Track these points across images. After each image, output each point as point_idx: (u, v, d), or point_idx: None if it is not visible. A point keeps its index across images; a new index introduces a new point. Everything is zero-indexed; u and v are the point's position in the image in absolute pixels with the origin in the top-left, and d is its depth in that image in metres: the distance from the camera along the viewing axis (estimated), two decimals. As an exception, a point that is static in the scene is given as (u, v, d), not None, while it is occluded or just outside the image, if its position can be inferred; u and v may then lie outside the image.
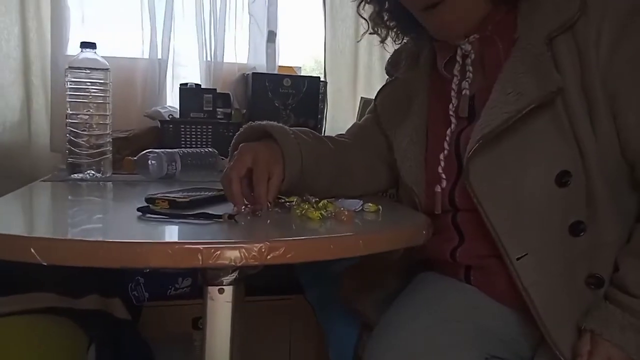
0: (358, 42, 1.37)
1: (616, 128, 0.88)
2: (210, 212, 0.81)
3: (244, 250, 0.65)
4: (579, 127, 0.87)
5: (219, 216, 0.80)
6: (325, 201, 0.91)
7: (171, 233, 0.79)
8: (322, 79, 2.05)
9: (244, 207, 0.88)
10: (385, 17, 1.12)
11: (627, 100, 0.86)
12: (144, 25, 1.94)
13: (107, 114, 1.34)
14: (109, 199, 1.17)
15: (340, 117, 2.12)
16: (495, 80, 0.93)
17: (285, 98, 1.87)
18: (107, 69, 1.32)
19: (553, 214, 0.88)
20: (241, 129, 1.06)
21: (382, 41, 1.15)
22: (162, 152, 1.32)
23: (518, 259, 0.88)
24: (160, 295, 1.60)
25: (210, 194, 0.99)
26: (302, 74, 2.11)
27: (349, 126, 2.02)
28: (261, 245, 0.66)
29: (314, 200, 0.93)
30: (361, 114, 1.99)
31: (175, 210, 0.86)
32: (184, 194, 0.96)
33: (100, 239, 0.66)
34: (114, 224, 0.86)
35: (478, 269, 0.99)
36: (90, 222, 0.86)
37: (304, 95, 1.89)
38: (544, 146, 0.88)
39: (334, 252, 0.73)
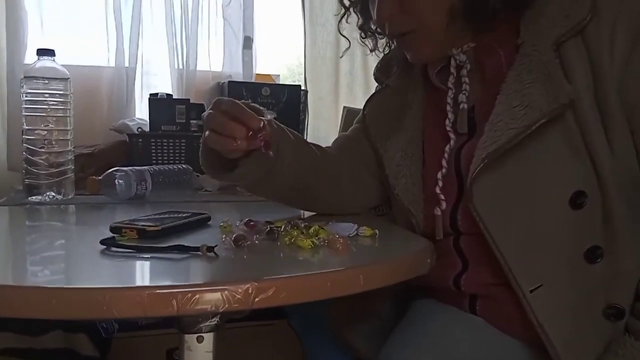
0: (341, 57, 1.28)
1: (634, 143, 0.80)
2: (185, 242, 0.71)
3: (226, 292, 0.55)
4: (593, 142, 0.79)
5: (196, 248, 0.69)
6: (317, 226, 0.81)
7: (140, 273, 0.68)
8: (302, 87, 1.96)
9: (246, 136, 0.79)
10: (370, 28, 1.04)
11: None
12: (110, 31, 1.82)
13: (68, 128, 1.21)
14: (70, 226, 1.05)
15: (322, 127, 2.03)
16: (497, 91, 0.85)
17: (264, 107, 1.77)
18: (67, 78, 1.19)
19: (568, 239, 0.80)
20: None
21: (372, 51, 1.08)
22: (130, 170, 1.20)
23: (531, 291, 0.80)
24: (132, 326, 1.47)
25: (184, 219, 0.88)
26: (280, 82, 2.01)
27: (332, 136, 1.97)
28: (247, 286, 0.56)
29: (303, 226, 0.84)
30: (344, 123, 1.90)
31: (144, 242, 0.76)
32: (155, 219, 0.85)
33: (57, 284, 0.57)
34: (75, 261, 0.74)
35: (484, 298, 0.90)
36: (47, 261, 0.73)
37: (284, 105, 1.79)
38: (556, 164, 0.81)
39: (332, 290, 0.64)
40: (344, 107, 1.95)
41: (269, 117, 0.85)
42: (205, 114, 0.84)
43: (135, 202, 1.21)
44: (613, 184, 0.79)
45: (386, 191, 1.04)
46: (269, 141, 0.82)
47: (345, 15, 1.05)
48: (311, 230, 0.81)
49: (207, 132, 0.84)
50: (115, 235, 0.78)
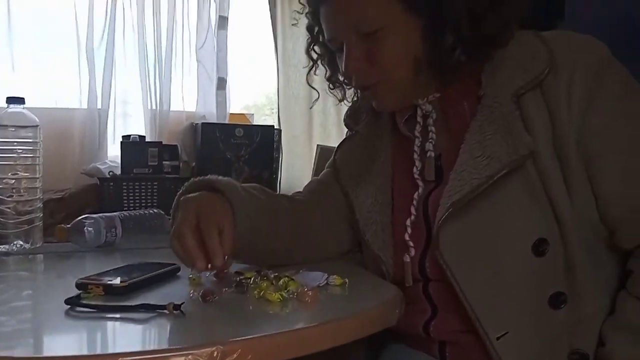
0: (311, 108, 1.31)
1: (593, 192, 0.82)
2: (153, 297, 0.71)
3: (191, 357, 0.54)
4: (554, 192, 0.81)
5: (163, 307, 0.68)
6: (286, 278, 0.81)
7: (104, 337, 0.66)
8: (275, 126, 1.97)
9: (206, 268, 0.79)
10: (338, 79, 1.06)
11: (604, 162, 0.81)
12: (82, 72, 1.81)
13: (37, 176, 1.20)
14: (37, 277, 1.03)
15: (296, 165, 2.04)
16: (462, 140, 0.87)
17: (237, 149, 1.77)
18: (36, 125, 1.18)
19: (531, 285, 0.82)
20: (184, 186, 0.97)
21: (341, 101, 1.09)
22: (100, 217, 1.19)
23: (498, 338, 0.81)
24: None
25: (152, 272, 0.87)
26: (254, 122, 2.02)
27: (305, 174, 1.98)
28: (212, 349, 0.55)
29: (273, 276, 0.84)
30: (318, 161, 1.91)
31: (111, 298, 0.74)
32: (122, 273, 0.84)
33: (21, 353, 0.56)
34: (40, 322, 0.72)
35: (453, 344, 0.91)
36: (10, 323, 0.70)
37: (257, 145, 1.80)
38: (518, 213, 0.82)
39: (299, 349, 0.63)
40: (318, 145, 1.96)
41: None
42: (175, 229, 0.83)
43: (105, 250, 1.19)
44: (574, 232, 0.81)
45: (357, 236, 1.05)
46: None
47: (314, 68, 1.06)
48: (280, 282, 0.81)
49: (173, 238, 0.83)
50: (81, 291, 0.76)
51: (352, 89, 1.08)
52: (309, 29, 1.03)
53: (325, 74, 1.06)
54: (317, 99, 1.12)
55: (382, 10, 0.86)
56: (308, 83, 1.08)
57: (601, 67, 0.82)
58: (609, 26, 1.28)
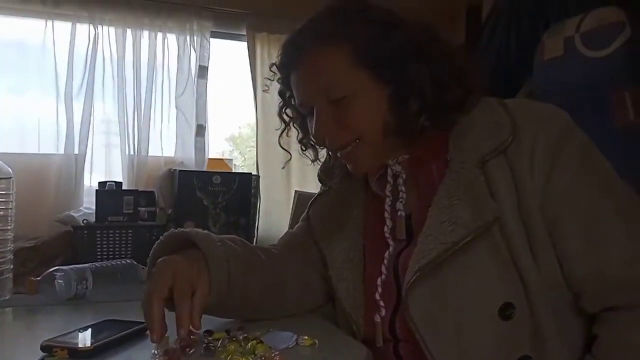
0: (282, 168, 1.31)
1: (557, 256, 0.84)
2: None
3: None
4: (519, 257, 0.82)
5: (126, 374, 0.67)
6: (254, 341, 0.80)
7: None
8: (254, 172, 1.98)
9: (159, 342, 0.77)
10: (310, 141, 1.07)
11: (567, 227, 0.83)
12: (60, 117, 1.81)
13: (9, 227, 1.18)
14: (4, 332, 1.01)
15: (274, 211, 2.04)
16: (431, 201, 0.88)
17: (214, 196, 1.78)
18: (9, 177, 1.17)
19: (498, 349, 0.82)
20: (161, 238, 0.95)
21: (313, 161, 1.10)
22: (70, 269, 1.17)
23: None
24: None
25: (120, 332, 0.86)
26: (233, 169, 2.02)
27: (284, 219, 1.98)
28: None
29: (242, 337, 0.82)
30: (296, 207, 1.92)
31: (75, 363, 0.73)
32: (89, 333, 0.83)
33: None
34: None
35: (423, 404, 0.90)
36: None
37: (235, 192, 1.81)
38: (485, 277, 0.83)
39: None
40: (296, 191, 1.97)
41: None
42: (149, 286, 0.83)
43: (75, 303, 1.17)
44: (540, 296, 0.82)
45: (331, 291, 1.05)
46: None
47: (286, 130, 1.08)
48: (249, 345, 0.80)
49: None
50: (45, 354, 0.75)
51: (324, 149, 1.09)
52: (281, 93, 1.04)
53: (297, 136, 1.08)
54: (288, 160, 1.12)
55: (350, 77, 0.89)
56: (280, 145, 1.08)
57: (561, 137, 0.85)
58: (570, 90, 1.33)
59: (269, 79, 1.05)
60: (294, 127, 1.06)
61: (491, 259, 0.83)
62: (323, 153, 1.09)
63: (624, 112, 1.20)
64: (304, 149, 1.08)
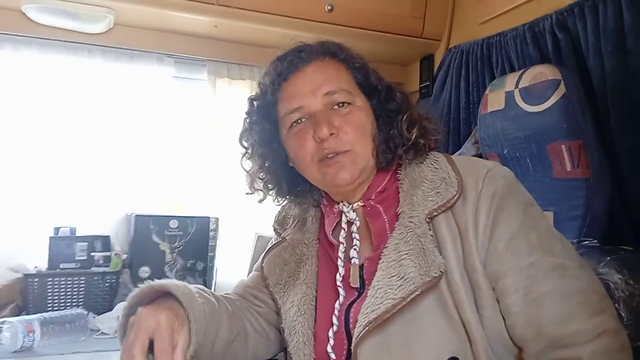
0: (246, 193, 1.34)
1: (501, 311, 0.87)
2: None
3: None
4: (464, 309, 0.85)
5: None
6: None
7: None
8: (211, 216, 1.98)
9: None
10: (265, 177, 1.08)
11: (508, 283, 0.86)
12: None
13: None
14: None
15: (234, 254, 2.03)
16: (382, 253, 0.91)
17: (172, 240, 1.77)
18: (-44, 227, 1.16)
19: None
20: (138, 289, 0.94)
21: (260, 201, 1.12)
22: (17, 321, 1.16)
23: None
24: None
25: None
26: (192, 211, 2.01)
27: (243, 263, 1.97)
28: None
29: None
30: (256, 250, 1.92)
31: None
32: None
33: None
34: None
35: None
36: None
37: (192, 236, 1.80)
38: (431, 330, 0.86)
39: None
40: (256, 233, 1.97)
41: None
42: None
43: (21, 355, 1.16)
44: (484, 350, 0.84)
45: (283, 342, 1.05)
46: None
47: (247, 154, 1.08)
48: None
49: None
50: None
51: (275, 193, 1.10)
52: (249, 113, 1.06)
53: (251, 168, 1.08)
54: (250, 193, 1.12)
55: (353, 89, 0.99)
56: (242, 167, 1.09)
57: (503, 195, 0.89)
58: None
59: (251, 98, 1.07)
60: (254, 154, 1.06)
61: (438, 313, 0.86)
62: (270, 196, 1.10)
63: (561, 163, 1.26)
64: (256, 186, 1.09)
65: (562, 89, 1.24)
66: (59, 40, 1.86)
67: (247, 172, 1.10)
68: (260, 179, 1.09)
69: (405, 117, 0.98)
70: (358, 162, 0.96)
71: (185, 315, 0.87)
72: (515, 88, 1.33)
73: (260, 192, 1.11)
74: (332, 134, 0.94)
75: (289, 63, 0.99)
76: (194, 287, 0.95)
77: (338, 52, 1.01)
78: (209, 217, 1.89)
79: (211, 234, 1.91)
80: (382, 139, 0.98)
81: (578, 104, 1.24)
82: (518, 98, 1.32)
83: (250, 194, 1.11)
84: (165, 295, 0.91)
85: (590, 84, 1.36)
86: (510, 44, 1.65)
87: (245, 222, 2.06)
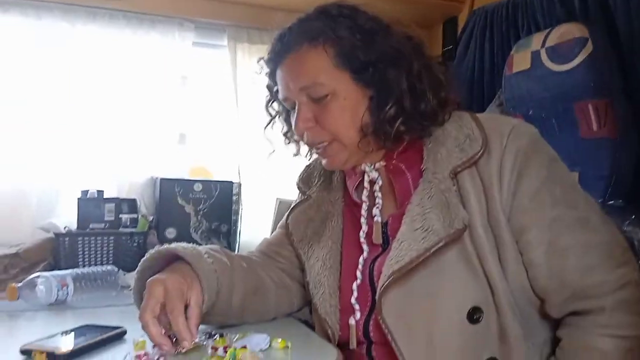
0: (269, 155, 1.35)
1: (523, 263, 0.88)
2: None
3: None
4: (487, 262, 0.87)
5: (102, 376, 0.70)
6: (233, 348, 0.83)
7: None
8: (236, 180, 2.00)
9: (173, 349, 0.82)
10: (294, 137, 1.10)
11: (532, 237, 0.87)
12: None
13: (-10, 234, 1.21)
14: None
15: (256, 218, 2.06)
16: (405, 209, 0.92)
17: (196, 203, 1.80)
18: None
19: (466, 351, 0.86)
20: (148, 254, 0.98)
21: (295, 155, 1.14)
22: (51, 275, 1.20)
23: None
24: None
25: (98, 336, 0.89)
26: (215, 177, 2.04)
27: (265, 227, 2.00)
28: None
29: (218, 337, 0.89)
30: (277, 215, 1.94)
31: (53, 366, 0.76)
32: (68, 338, 0.86)
33: None
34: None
35: (394, 404, 0.94)
36: None
37: (216, 199, 1.83)
38: (455, 282, 0.87)
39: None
40: (277, 198, 2.00)
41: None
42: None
43: (56, 308, 1.20)
44: (507, 302, 0.86)
45: (308, 295, 1.08)
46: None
47: (272, 123, 1.11)
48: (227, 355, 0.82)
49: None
50: (25, 357, 0.78)
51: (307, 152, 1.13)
52: (269, 87, 1.08)
53: (282, 129, 1.11)
54: (272, 152, 1.14)
55: (332, 77, 0.93)
56: (266, 137, 1.11)
57: (528, 150, 0.89)
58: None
59: (256, 73, 1.08)
60: (279, 120, 1.09)
61: (461, 264, 0.88)
62: (305, 149, 1.12)
63: (587, 123, 1.26)
64: (287, 142, 1.11)
65: (589, 47, 1.22)
66: (81, 6, 1.88)
67: (268, 140, 1.13)
68: (289, 137, 1.11)
69: (418, 85, 0.93)
70: (342, 151, 0.96)
71: (195, 275, 0.90)
72: (541, 47, 1.32)
73: (294, 147, 1.13)
74: (308, 128, 0.95)
75: (275, 54, 0.99)
76: (203, 248, 0.97)
77: (319, 31, 0.94)
78: (232, 182, 1.91)
79: (234, 198, 1.94)
80: (374, 125, 0.94)
81: (605, 62, 1.23)
82: (544, 57, 1.31)
83: (288, 143, 1.13)
84: (175, 259, 0.94)
85: (618, 42, 1.34)
86: (536, 3, 1.62)
87: (266, 187, 2.09)
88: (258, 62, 1.07)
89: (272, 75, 1.03)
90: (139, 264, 0.96)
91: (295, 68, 0.96)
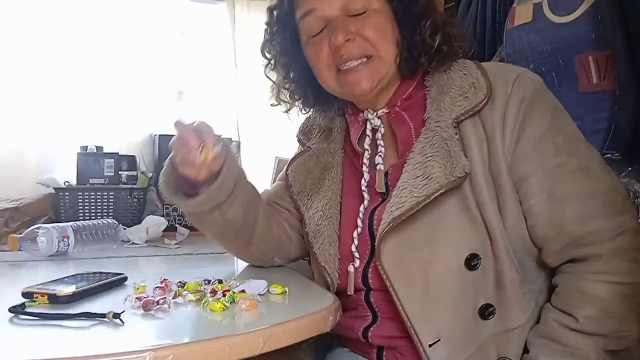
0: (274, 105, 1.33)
1: (523, 212, 0.89)
2: (96, 306, 0.74)
3: (122, 363, 0.58)
4: (487, 211, 0.87)
5: (103, 315, 0.72)
6: (232, 292, 0.85)
7: (43, 343, 0.69)
8: (235, 138, 2.00)
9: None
10: (290, 87, 1.09)
11: (533, 184, 0.88)
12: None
13: (-10, 187, 1.21)
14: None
15: (255, 176, 2.06)
16: (407, 158, 0.92)
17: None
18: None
19: (463, 297, 0.87)
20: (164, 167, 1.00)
21: (286, 111, 1.12)
22: (52, 227, 1.21)
23: (430, 345, 0.86)
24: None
25: (99, 281, 0.90)
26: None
27: (264, 186, 2.00)
28: (144, 355, 0.59)
29: (217, 283, 0.90)
30: (276, 173, 1.95)
31: (55, 307, 0.78)
32: (69, 282, 0.87)
33: None
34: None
35: (390, 350, 0.96)
36: None
37: (215, 156, 1.82)
38: (453, 229, 0.88)
39: (231, 354, 0.66)
40: (276, 157, 2.00)
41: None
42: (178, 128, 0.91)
43: (57, 259, 1.21)
44: (505, 249, 0.87)
45: (307, 246, 1.09)
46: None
47: (267, 68, 1.10)
48: (226, 297, 0.84)
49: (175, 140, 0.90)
50: (26, 300, 0.79)
51: (301, 103, 1.12)
52: (269, 24, 1.06)
53: (277, 77, 1.09)
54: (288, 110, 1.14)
55: None
56: (266, 75, 1.10)
57: (532, 99, 0.89)
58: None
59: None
60: (278, 65, 1.08)
61: (460, 211, 0.88)
62: (296, 107, 1.11)
63: (587, 76, 1.25)
64: (284, 93, 1.10)
65: (591, -2, 1.21)
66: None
67: (273, 81, 1.10)
68: (285, 89, 1.10)
69: (428, 22, 0.95)
70: (379, 69, 0.95)
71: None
72: (543, -1, 1.30)
73: (287, 104, 1.12)
74: (348, 40, 0.92)
75: None
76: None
77: None
78: (231, 139, 1.91)
79: (233, 156, 1.94)
80: (405, 45, 0.96)
81: (607, 13, 1.21)
82: (546, 9, 1.29)
83: (276, 105, 1.12)
84: None
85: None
86: (539, -44, 1.59)
87: (265, 145, 2.09)
88: None
89: (289, 2, 1.00)
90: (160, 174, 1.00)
91: None
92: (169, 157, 0.94)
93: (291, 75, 1.08)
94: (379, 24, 0.94)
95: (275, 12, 1.05)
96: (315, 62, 0.98)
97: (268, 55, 1.08)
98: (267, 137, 2.07)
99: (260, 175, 2.06)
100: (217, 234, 1.06)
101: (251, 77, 1.99)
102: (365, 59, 0.94)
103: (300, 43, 1.02)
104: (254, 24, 2.01)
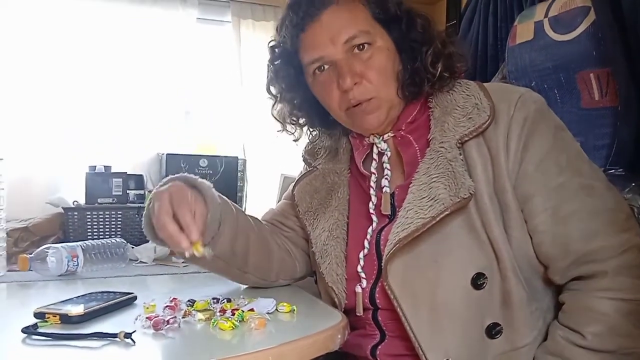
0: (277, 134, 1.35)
1: (528, 230, 0.90)
2: (108, 326, 0.75)
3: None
4: (492, 230, 0.88)
5: (114, 335, 0.73)
6: (240, 311, 0.86)
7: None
8: (241, 156, 2.02)
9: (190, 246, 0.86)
10: (297, 119, 1.11)
11: (537, 203, 0.89)
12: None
13: (1, 208, 1.23)
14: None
15: (260, 194, 2.08)
16: (412, 180, 0.94)
17: (202, 178, 1.81)
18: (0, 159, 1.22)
19: (470, 316, 0.88)
20: (161, 182, 0.99)
21: (296, 140, 1.14)
22: (62, 246, 1.22)
23: None
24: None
25: (109, 301, 0.91)
26: (220, 153, 2.06)
27: (270, 204, 2.02)
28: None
29: (226, 302, 0.91)
30: (282, 190, 1.96)
31: (67, 327, 0.79)
32: (80, 302, 0.88)
33: None
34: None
35: (398, 367, 0.96)
36: None
37: (221, 175, 1.85)
38: (459, 249, 0.89)
39: (241, 373, 0.68)
40: (282, 174, 2.01)
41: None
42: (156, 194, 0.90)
43: (66, 279, 1.22)
44: (511, 268, 0.88)
45: (313, 265, 1.10)
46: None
47: (276, 103, 1.11)
48: (235, 316, 0.85)
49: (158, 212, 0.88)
50: (38, 320, 0.80)
51: (307, 129, 1.14)
52: (272, 61, 1.07)
53: (283, 111, 1.11)
54: (280, 131, 1.15)
55: (371, 27, 0.96)
56: (273, 115, 1.12)
57: (534, 119, 0.91)
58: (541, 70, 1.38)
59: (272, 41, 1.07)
60: (282, 102, 1.09)
61: (466, 231, 0.89)
62: (302, 132, 1.13)
63: (589, 92, 1.26)
64: (291, 123, 1.12)
65: (591, 16, 1.22)
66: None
67: (276, 119, 1.13)
68: (292, 121, 1.12)
69: (429, 49, 0.97)
70: (383, 106, 0.97)
71: (200, 196, 0.93)
72: (544, 17, 1.32)
73: (297, 131, 1.14)
74: (355, 84, 0.94)
75: (304, 13, 0.97)
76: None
77: None
78: (237, 157, 1.93)
79: (239, 174, 1.96)
80: (406, 74, 0.97)
81: (608, 30, 1.23)
82: (547, 27, 1.31)
83: (281, 131, 1.14)
84: None
85: (620, 10, 1.34)
86: (539, -26, 1.61)
87: (271, 163, 2.11)
88: (279, 27, 1.04)
89: (293, 41, 1.00)
90: (151, 194, 0.97)
91: (337, 20, 0.96)
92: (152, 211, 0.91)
93: (296, 103, 1.09)
94: (380, 63, 0.96)
95: (277, 50, 1.06)
96: (327, 101, 1.00)
97: (274, 92, 1.10)
98: (272, 154, 2.09)
99: (266, 193, 2.08)
100: (206, 268, 1.07)
101: (257, 96, 2.01)
102: (370, 99, 0.96)
103: (303, 75, 1.04)
104: (260, 44, 2.04)
